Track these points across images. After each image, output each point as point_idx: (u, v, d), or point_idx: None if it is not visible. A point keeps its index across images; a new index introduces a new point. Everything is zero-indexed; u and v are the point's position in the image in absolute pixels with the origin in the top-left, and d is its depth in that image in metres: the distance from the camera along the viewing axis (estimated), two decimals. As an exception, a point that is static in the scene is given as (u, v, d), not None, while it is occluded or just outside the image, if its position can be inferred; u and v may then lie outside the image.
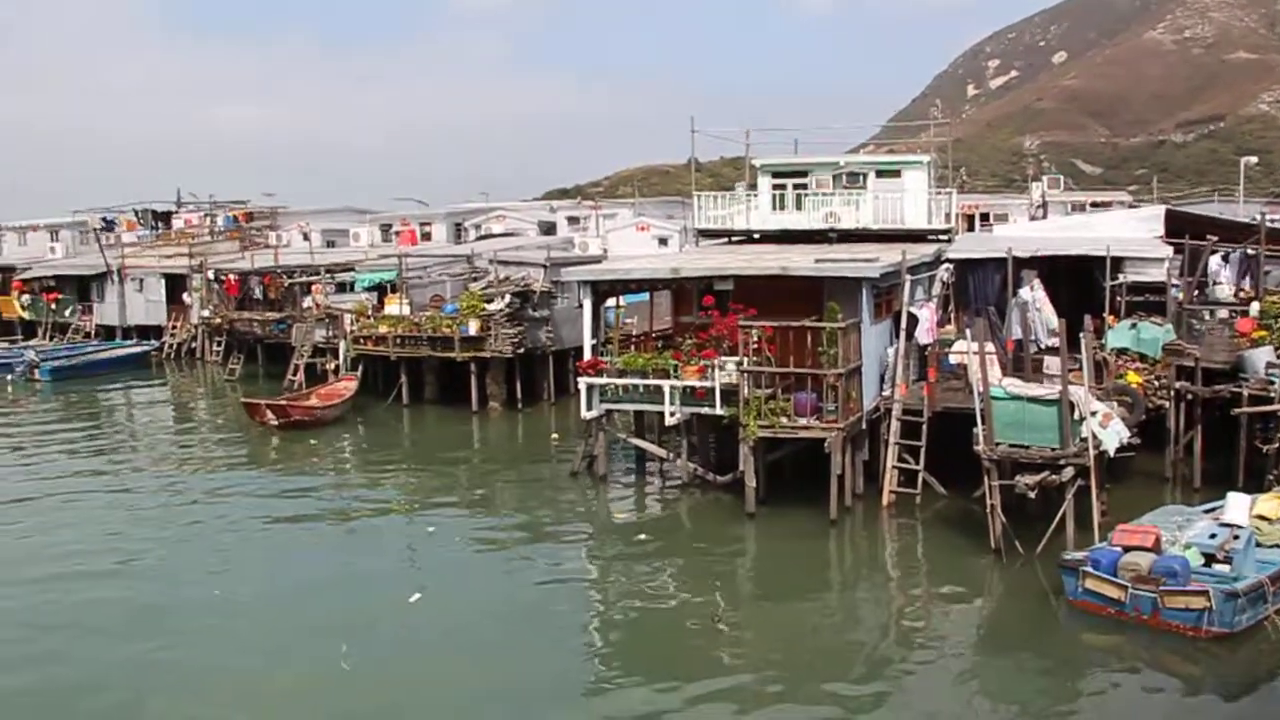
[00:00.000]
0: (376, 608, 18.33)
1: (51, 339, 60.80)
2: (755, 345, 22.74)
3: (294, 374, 41.88)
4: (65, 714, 14.96)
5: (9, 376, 50.09)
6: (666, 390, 24.06)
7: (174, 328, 57.53)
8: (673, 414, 24.18)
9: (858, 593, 20.07)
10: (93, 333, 60.95)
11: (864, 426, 23.79)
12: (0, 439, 36.23)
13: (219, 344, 53.02)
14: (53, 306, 62.69)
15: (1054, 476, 19.61)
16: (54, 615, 18.48)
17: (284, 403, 35.84)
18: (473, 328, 36.49)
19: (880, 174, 31.96)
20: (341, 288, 46.33)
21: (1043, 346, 24.00)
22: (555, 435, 33.03)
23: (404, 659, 16.21)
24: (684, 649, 16.74)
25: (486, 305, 37.09)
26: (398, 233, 65.07)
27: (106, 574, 20.68)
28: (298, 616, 18.15)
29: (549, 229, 62.00)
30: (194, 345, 56.00)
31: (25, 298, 64.34)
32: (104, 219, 69.98)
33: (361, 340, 39.49)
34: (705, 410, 23.92)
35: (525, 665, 16.01)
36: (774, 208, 32.17)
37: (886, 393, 24.19)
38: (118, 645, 17.17)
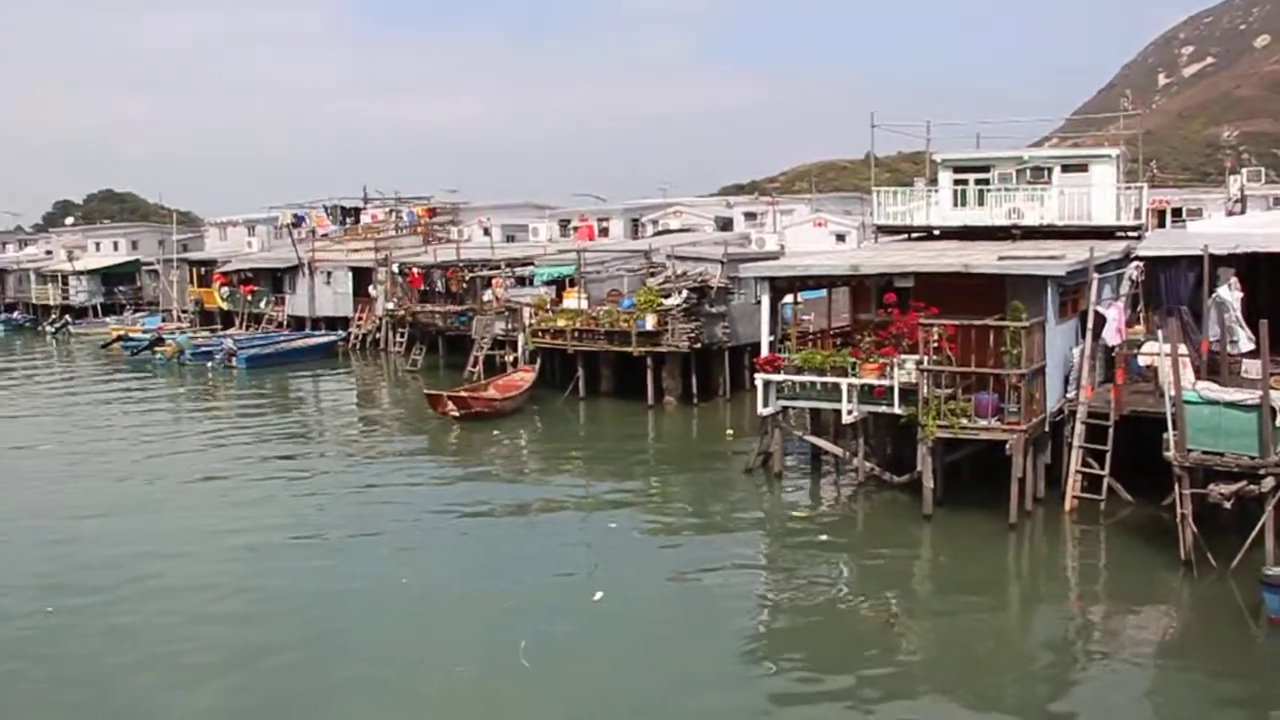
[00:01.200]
0: (555, 602, 18.46)
1: (247, 328, 63.79)
2: (935, 344, 22.38)
3: (473, 365, 43.00)
4: (246, 689, 15.43)
5: (209, 363, 53.07)
6: (844, 388, 23.84)
7: (360, 319, 59.59)
8: (850, 412, 23.94)
9: (1037, 601, 19.51)
10: (284, 323, 63.66)
11: (1047, 429, 23.15)
12: (201, 421, 38.36)
13: (402, 335, 54.66)
14: (248, 298, 65.90)
15: (1252, 486, 18.70)
16: (239, 590, 19.27)
17: (465, 394, 36.69)
18: (650, 322, 36.76)
19: (1066, 168, 31.02)
20: (521, 281, 47.30)
21: (1242, 349, 22.97)
22: (730, 431, 33.08)
23: (581, 654, 16.30)
24: (857, 649, 16.53)
25: (664, 300, 37.32)
26: (576, 228, 66.09)
27: (289, 553, 21.49)
28: (477, 608, 18.35)
29: (726, 225, 62.12)
30: (378, 336, 57.95)
31: (224, 289, 67.84)
32: (296, 215, 72.93)
33: (540, 333, 40.17)
34: (883, 409, 23.64)
35: (698, 662, 16.00)
36: (955, 203, 31.54)
37: (1071, 394, 23.49)
38: (299, 624, 17.69)
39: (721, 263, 39.14)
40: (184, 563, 20.91)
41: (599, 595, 18.43)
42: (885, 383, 23.30)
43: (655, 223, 63.69)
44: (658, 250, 43.58)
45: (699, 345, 37.16)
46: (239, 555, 21.30)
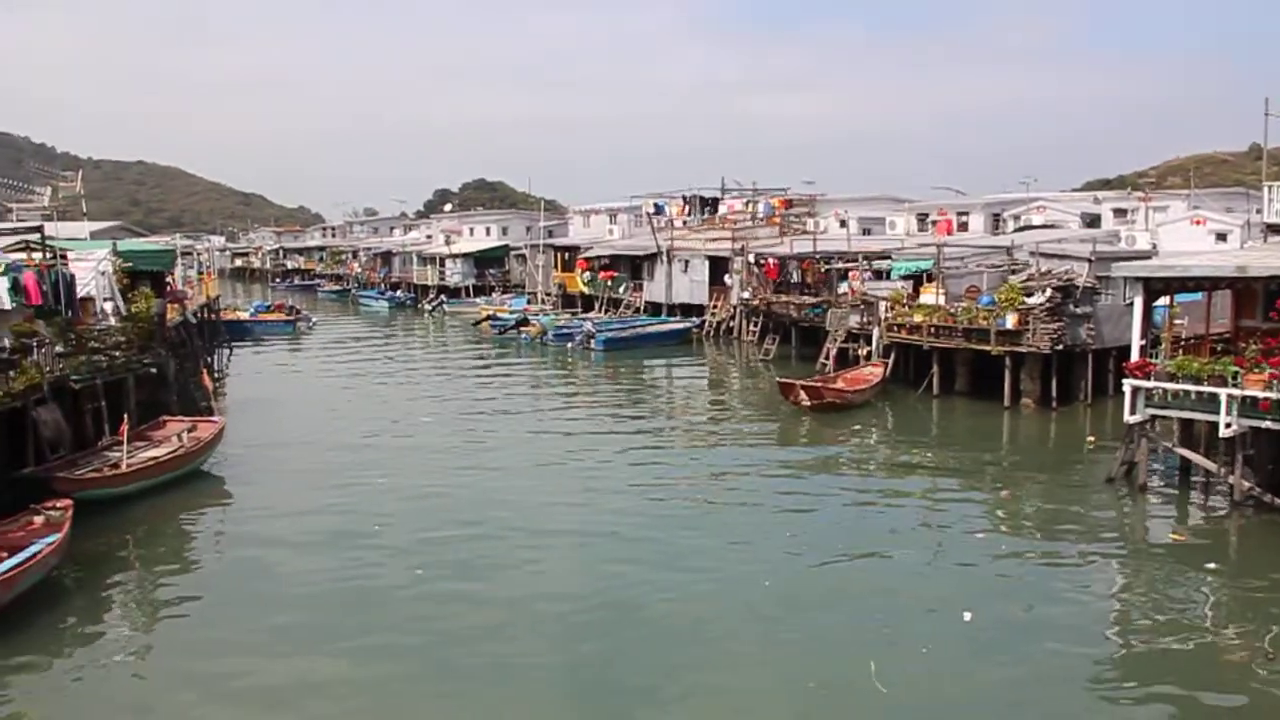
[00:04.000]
0: (918, 619, 17.64)
1: (606, 312, 66.34)
2: (1334, 356, 20.63)
3: (825, 357, 43.04)
4: (587, 677, 15.74)
5: (569, 344, 55.76)
6: (1223, 399, 22.39)
7: (715, 307, 60.71)
8: (1228, 425, 22.44)
9: None
10: (641, 308, 65.74)
11: None
12: (560, 400, 40.66)
13: (756, 324, 55.38)
14: (608, 283, 68.50)
15: None
16: (585, 573, 19.82)
17: (818, 384, 36.77)
18: (1010, 321, 35.66)
19: None
20: (877, 275, 46.95)
21: None
22: (1091, 438, 31.63)
23: (942, 678, 15.48)
24: (1227, 685, 15.35)
25: (1026, 298, 36.11)
26: (934, 222, 64.81)
27: (643, 540, 21.86)
28: (829, 620, 17.70)
29: (1092, 221, 59.37)
30: (732, 324, 58.90)
31: (585, 275, 70.87)
32: (655, 204, 75.20)
33: (895, 328, 39.71)
34: (1268, 424, 22.05)
35: (1049, 685, 15.37)
36: (1362, 201, 28.87)
37: None
38: (650, 619, 17.71)
39: (1089, 261, 37.53)
40: (537, 540, 21.81)
41: (969, 616, 17.52)
42: (1273, 395, 21.74)
43: (1016, 218, 61.59)
44: (1020, 247, 42.28)
45: (1061, 346, 35.74)
46: (591, 538, 21.97)
